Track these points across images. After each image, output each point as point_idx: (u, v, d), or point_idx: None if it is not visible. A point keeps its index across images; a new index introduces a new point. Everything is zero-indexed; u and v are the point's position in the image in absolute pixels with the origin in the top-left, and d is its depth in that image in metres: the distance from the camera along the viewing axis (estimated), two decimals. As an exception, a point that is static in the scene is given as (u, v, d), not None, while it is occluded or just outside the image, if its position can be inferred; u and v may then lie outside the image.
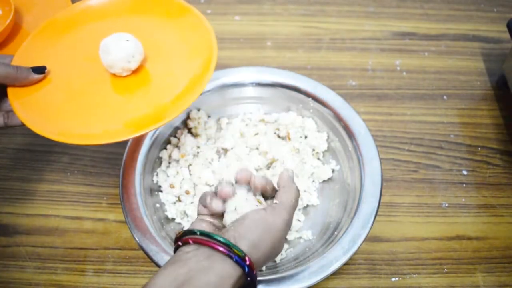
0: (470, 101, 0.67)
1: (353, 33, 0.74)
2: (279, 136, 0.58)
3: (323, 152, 0.57)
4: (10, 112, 0.48)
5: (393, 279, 0.52)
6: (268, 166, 0.55)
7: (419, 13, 0.76)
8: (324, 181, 0.56)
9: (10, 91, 0.47)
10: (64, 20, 0.53)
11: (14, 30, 0.72)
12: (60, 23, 0.53)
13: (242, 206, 0.41)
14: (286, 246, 0.51)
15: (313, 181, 0.56)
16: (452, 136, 0.63)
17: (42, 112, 0.46)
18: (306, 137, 0.57)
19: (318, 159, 0.57)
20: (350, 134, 0.54)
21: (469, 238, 0.55)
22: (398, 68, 0.70)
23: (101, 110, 0.46)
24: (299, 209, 0.54)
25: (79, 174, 0.59)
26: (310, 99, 0.57)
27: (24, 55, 0.50)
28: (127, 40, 0.46)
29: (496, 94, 0.67)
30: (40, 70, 0.47)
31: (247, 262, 0.36)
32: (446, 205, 0.57)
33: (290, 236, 0.51)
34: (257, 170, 0.54)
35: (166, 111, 0.45)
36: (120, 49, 0.46)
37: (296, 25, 0.75)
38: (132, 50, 0.46)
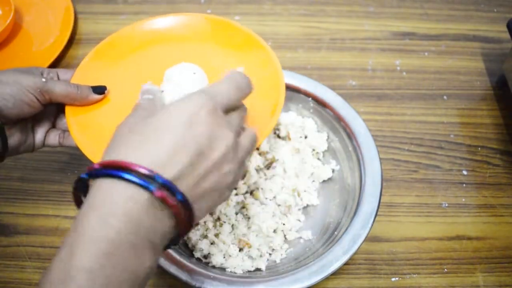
0: (470, 101, 0.67)
1: (353, 33, 0.74)
2: (279, 136, 0.58)
3: (323, 152, 0.57)
4: (66, 132, 0.47)
5: (393, 279, 0.52)
6: (268, 166, 0.55)
7: (419, 13, 0.76)
8: (324, 181, 0.56)
9: (68, 109, 0.46)
10: (129, 38, 0.51)
11: (14, 30, 0.72)
12: (124, 40, 0.50)
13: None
14: (286, 246, 0.51)
15: (313, 181, 0.56)
16: (452, 136, 0.63)
17: (96, 135, 0.44)
18: (306, 137, 0.57)
19: (318, 159, 0.57)
20: (350, 134, 0.54)
21: (469, 238, 0.55)
22: (398, 68, 0.70)
23: None
24: (299, 209, 0.54)
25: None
26: (310, 99, 0.57)
27: (84, 72, 0.48)
28: (194, 73, 0.44)
29: (496, 94, 0.67)
30: (101, 90, 0.46)
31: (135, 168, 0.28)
32: (446, 205, 0.57)
33: (290, 236, 0.52)
34: (257, 170, 0.54)
35: None
36: (185, 82, 0.44)
37: (296, 25, 0.75)
38: (198, 84, 0.44)
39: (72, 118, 0.45)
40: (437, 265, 0.53)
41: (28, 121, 0.47)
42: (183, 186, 0.29)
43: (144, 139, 0.30)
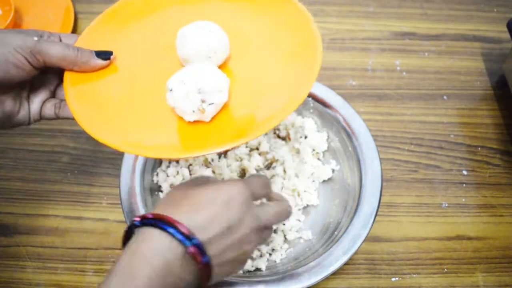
0: (470, 101, 0.67)
1: (353, 33, 0.74)
2: (279, 136, 0.58)
3: (323, 152, 0.57)
4: (63, 101, 0.42)
5: (393, 279, 0.52)
6: (268, 166, 0.55)
7: (419, 13, 0.76)
8: (324, 181, 0.56)
9: (67, 75, 0.40)
10: (139, 1, 0.45)
11: (14, 30, 0.72)
12: (135, 3, 0.45)
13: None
14: (286, 246, 0.51)
15: (313, 181, 0.56)
16: (452, 136, 0.63)
17: (96, 107, 0.39)
18: (306, 137, 0.57)
19: (318, 159, 0.57)
20: (350, 134, 0.54)
21: (469, 238, 0.55)
22: (398, 68, 0.70)
23: (167, 115, 0.38)
24: (299, 209, 0.54)
25: (79, 174, 0.59)
26: (310, 99, 0.57)
27: (91, 36, 0.43)
28: (210, 31, 0.38)
29: (496, 94, 0.67)
30: (105, 55, 0.41)
31: (182, 229, 0.32)
32: (446, 205, 0.57)
33: (290, 236, 0.52)
34: (257, 170, 0.54)
35: (247, 127, 0.36)
36: (200, 41, 0.37)
37: (296, 25, 0.75)
38: (215, 44, 0.38)
39: (71, 85, 0.40)
40: (437, 265, 0.53)
41: (24, 89, 0.42)
42: (211, 250, 0.34)
43: (191, 206, 0.35)
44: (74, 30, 0.73)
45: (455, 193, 0.58)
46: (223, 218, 0.35)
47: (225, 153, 0.57)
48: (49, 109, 0.43)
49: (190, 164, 0.55)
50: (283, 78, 0.38)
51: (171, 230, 0.32)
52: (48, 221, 0.56)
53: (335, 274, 0.47)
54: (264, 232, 0.38)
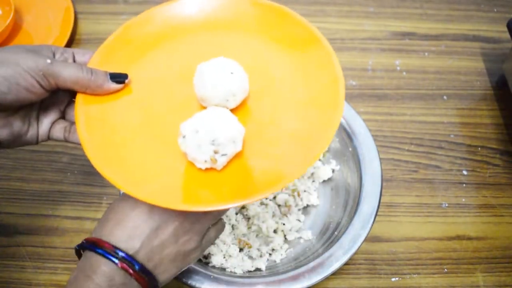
0: (470, 101, 0.67)
1: (353, 33, 0.74)
2: (279, 136, 0.58)
3: (323, 152, 0.57)
4: (73, 125, 0.41)
5: (393, 279, 0.52)
6: (268, 166, 0.55)
7: (419, 13, 0.76)
8: (324, 181, 0.56)
9: (79, 99, 0.38)
10: (163, 19, 0.42)
11: (14, 30, 0.72)
12: (158, 21, 0.42)
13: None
14: (286, 246, 0.51)
15: (313, 181, 0.56)
16: (452, 136, 0.63)
17: (105, 138, 0.37)
18: (306, 137, 0.57)
19: (318, 159, 0.57)
20: (350, 134, 0.54)
21: (469, 238, 0.55)
22: (398, 68, 0.70)
23: (177, 157, 0.36)
24: (299, 209, 0.54)
25: (79, 174, 0.59)
26: (310, 99, 0.57)
27: (106, 55, 0.40)
28: (232, 73, 0.36)
29: (496, 94, 0.67)
30: (120, 78, 0.39)
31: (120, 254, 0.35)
32: (446, 205, 0.57)
33: (290, 236, 0.52)
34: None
35: (258, 180, 0.34)
36: (219, 84, 0.36)
37: (296, 25, 0.75)
38: (234, 87, 0.36)
39: (82, 108, 0.38)
40: (437, 265, 0.53)
41: (33, 109, 0.40)
42: (142, 256, 0.35)
43: (116, 221, 0.36)
44: (74, 30, 0.73)
45: (455, 193, 0.58)
46: (147, 222, 0.36)
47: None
48: (58, 132, 0.41)
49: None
50: (301, 126, 0.36)
51: (99, 250, 0.35)
52: (48, 221, 0.56)
53: (335, 274, 0.47)
54: (200, 221, 0.37)
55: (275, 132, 0.37)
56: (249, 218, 0.52)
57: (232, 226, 0.51)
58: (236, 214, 0.52)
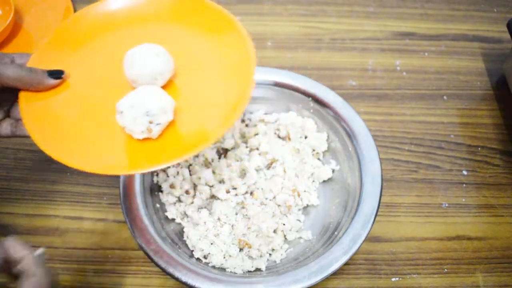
0: (470, 101, 0.67)
1: (353, 33, 0.74)
2: (279, 137, 0.58)
3: (323, 152, 0.57)
4: (19, 120, 0.44)
5: (393, 279, 0.52)
6: (268, 167, 0.55)
7: (419, 13, 0.76)
8: (324, 181, 0.56)
9: (22, 96, 0.42)
10: (91, 18, 0.47)
11: (14, 30, 0.72)
12: (86, 21, 0.47)
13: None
14: (286, 246, 0.51)
15: (313, 181, 0.56)
16: (452, 136, 0.63)
17: (51, 125, 0.41)
18: (306, 137, 0.57)
19: (318, 159, 0.57)
20: (350, 134, 0.54)
21: (469, 238, 0.55)
22: (398, 68, 0.70)
23: (117, 132, 0.41)
24: (299, 209, 0.54)
25: (79, 174, 0.59)
26: (310, 99, 0.57)
27: (43, 55, 0.45)
28: (157, 55, 0.41)
29: (496, 94, 0.67)
30: (57, 74, 0.43)
31: None
32: (446, 205, 0.57)
33: (290, 236, 0.52)
34: (257, 170, 0.54)
35: (192, 141, 0.39)
36: (146, 64, 0.40)
37: (296, 25, 0.75)
38: (160, 67, 0.41)
39: (26, 105, 0.42)
40: (437, 265, 0.53)
41: None
42: None
43: None
44: (74, 30, 0.73)
45: (455, 193, 0.58)
46: None
47: (225, 154, 0.57)
48: (5, 129, 0.44)
49: (190, 164, 0.55)
50: (223, 95, 0.42)
51: None
52: (48, 221, 0.56)
53: (335, 274, 0.47)
54: None
55: (200, 102, 0.43)
56: (249, 218, 0.52)
57: (232, 226, 0.51)
58: (236, 214, 0.52)
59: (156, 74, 0.41)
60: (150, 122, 0.39)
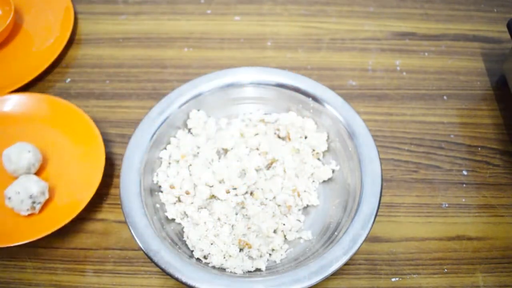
0: (470, 101, 0.67)
1: (353, 33, 0.74)
2: (279, 137, 0.58)
3: (323, 153, 0.57)
4: None
5: (393, 279, 0.52)
6: (268, 167, 0.55)
7: (419, 13, 0.76)
8: (324, 181, 0.56)
9: None
10: None
11: (14, 30, 0.72)
12: None
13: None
14: (286, 246, 0.51)
15: (313, 181, 0.56)
16: (452, 136, 0.63)
17: None
18: (306, 138, 0.57)
19: (318, 159, 0.57)
20: (350, 134, 0.54)
21: (469, 238, 0.55)
22: (398, 68, 0.70)
23: (7, 213, 0.54)
24: (299, 210, 0.54)
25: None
26: (310, 99, 0.57)
27: None
28: (29, 151, 0.54)
29: (496, 94, 0.67)
30: None
31: None
32: (446, 205, 0.57)
33: (290, 236, 0.52)
34: (257, 170, 0.54)
35: (66, 211, 0.53)
36: (22, 159, 0.54)
37: (296, 25, 0.75)
38: (32, 160, 0.54)
39: None
40: (437, 265, 0.53)
41: None
42: None
43: None
44: (74, 30, 0.73)
45: (455, 193, 0.58)
46: None
47: (225, 153, 0.57)
48: None
49: (190, 165, 0.55)
50: (83, 174, 0.56)
51: None
52: (48, 221, 0.56)
53: (335, 274, 0.47)
54: None
55: (63, 181, 0.57)
56: (249, 218, 0.52)
57: (232, 226, 0.51)
58: (236, 214, 0.52)
59: (30, 165, 0.54)
60: (33, 202, 0.52)
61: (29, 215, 0.53)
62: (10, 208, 0.53)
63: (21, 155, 0.54)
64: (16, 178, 0.55)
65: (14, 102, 0.60)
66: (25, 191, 0.52)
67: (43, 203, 0.54)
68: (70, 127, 0.59)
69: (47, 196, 0.54)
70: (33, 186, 0.52)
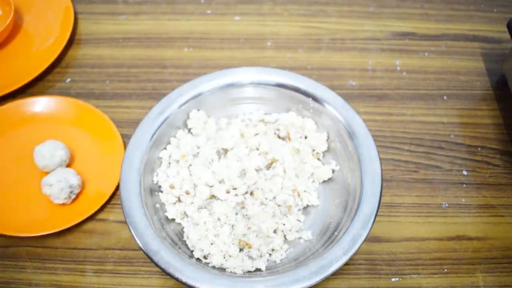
0: (470, 101, 0.67)
1: (353, 33, 0.74)
2: (279, 137, 0.58)
3: (323, 153, 0.57)
4: None
5: (393, 279, 0.52)
6: (268, 167, 0.55)
7: (419, 13, 0.76)
8: (324, 181, 0.56)
9: None
10: (8, 115, 0.63)
11: (14, 30, 0.72)
12: (4, 116, 0.63)
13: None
14: (286, 246, 0.51)
15: (313, 181, 0.56)
16: (452, 136, 0.63)
17: None
18: (306, 138, 0.57)
19: (318, 159, 0.57)
20: (350, 134, 0.54)
21: (469, 238, 0.55)
22: (398, 68, 0.70)
23: (31, 203, 0.57)
24: (299, 210, 0.54)
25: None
26: (310, 99, 0.57)
27: None
28: (62, 149, 0.57)
29: (496, 94, 0.67)
30: None
31: None
32: (446, 205, 0.57)
33: (290, 236, 0.52)
34: (257, 170, 0.54)
35: (93, 202, 0.56)
36: (55, 156, 0.57)
37: (296, 25, 0.75)
38: (64, 156, 0.58)
39: None
40: (437, 265, 0.53)
41: None
42: None
43: None
44: (74, 30, 0.73)
45: (455, 193, 0.58)
46: None
47: (225, 153, 0.57)
48: None
49: (190, 165, 0.55)
50: (106, 169, 0.59)
51: None
52: (48, 221, 0.56)
53: (335, 274, 0.47)
54: None
55: (89, 175, 0.59)
56: (249, 218, 0.52)
57: (232, 226, 0.51)
58: (236, 214, 0.52)
59: (61, 161, 0.57)
60: (71, 192, 0.55)
61: (61, 204, 0.56)
62: (47, 195, 0.55)
63: (55, 152, 0.57)
64: (46, 173, 0.57)
65: (43, 104, 0.63)
66: (66, 180, 0.55)
67: (75, 195, 0.57)
68: (92, 126, 0.62)
69: (80, 188, 0.57)
70: (72, 177, 0.55)
